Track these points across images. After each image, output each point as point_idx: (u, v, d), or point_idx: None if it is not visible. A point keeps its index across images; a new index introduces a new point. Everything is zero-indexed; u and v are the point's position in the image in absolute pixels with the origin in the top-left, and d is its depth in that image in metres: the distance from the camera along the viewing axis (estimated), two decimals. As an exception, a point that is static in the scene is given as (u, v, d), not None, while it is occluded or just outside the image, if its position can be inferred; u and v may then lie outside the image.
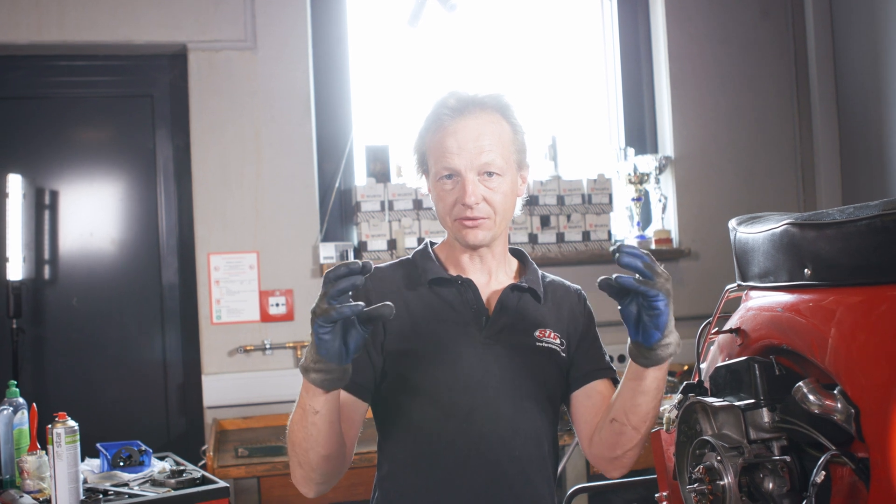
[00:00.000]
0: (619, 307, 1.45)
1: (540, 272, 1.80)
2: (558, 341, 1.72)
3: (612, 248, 1.39)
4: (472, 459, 1.62)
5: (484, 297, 1.71)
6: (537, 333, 1.70)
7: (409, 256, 1.79)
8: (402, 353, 1.66)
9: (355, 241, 3.96)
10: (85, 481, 2.60)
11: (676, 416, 1.68)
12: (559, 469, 3.00)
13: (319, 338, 1.38)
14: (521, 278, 1.76)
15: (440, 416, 1.63)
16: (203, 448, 3.48)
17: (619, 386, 1.60)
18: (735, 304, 1.84)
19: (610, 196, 4.10)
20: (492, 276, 1.74)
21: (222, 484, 2.62)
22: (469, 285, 1.70)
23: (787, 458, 1.45)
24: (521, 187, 1.72)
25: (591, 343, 1.77)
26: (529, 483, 1.67)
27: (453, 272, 1.72)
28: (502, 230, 1.70)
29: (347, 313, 1.35)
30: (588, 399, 1.72)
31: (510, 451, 1.64)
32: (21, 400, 2.69)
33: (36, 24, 3.69)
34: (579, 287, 1.84)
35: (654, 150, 4.35)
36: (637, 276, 1.38)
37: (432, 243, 1.80)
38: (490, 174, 1.61)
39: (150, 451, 2.82)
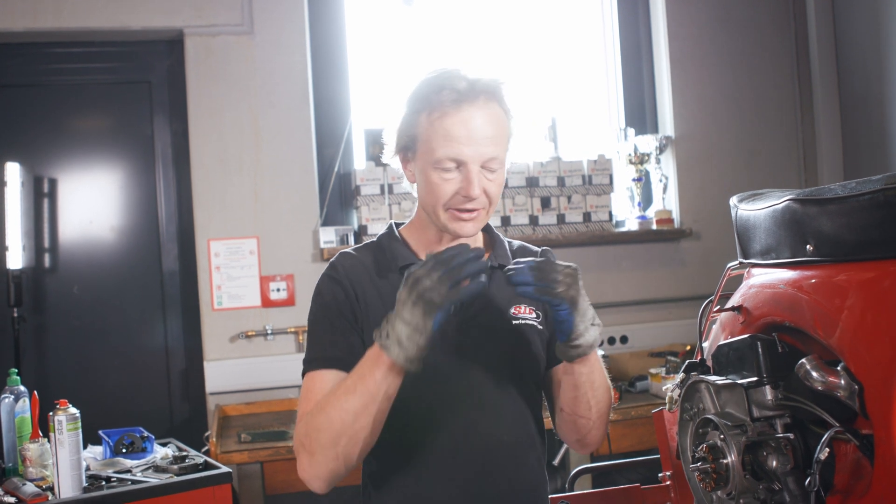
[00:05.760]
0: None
1: (506, 241, 1.77)
2: (534, 315, 1.69)
3: (508, 273, 1.44)
4: (461, 449, 1.59)
5: None
6: (513, 311, 1.67)
7: (375, 240, 1.73)
8: None
9: (355, 225, 3.95)
10: (87, 468, 2.60)
11: (679, 395, 1.68)
12: (562, 451, 3.01)
13: (437, 325, 1.41)
14: (489, 254, 1.71)
15: (423, 408, 1.59)
16: (206, 434, 3.48)
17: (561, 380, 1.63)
18: (737, 282, 1.83)
19: (610, 177, 4.08)
20: None
21: (225, 469, 2.62)
22: None
23: (791, 436, 1.44)
24: None
25: None
26: (522, 465, 1.65)
27: (423, 256, 1.63)
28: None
29: (476, 291, 1.40)
30: (556, 380, 1.70)
31: (499, 436, 1.61)
32: (22, 388, 2.69)
33: (32, 11, 3.67)
34: (547, 248, 1.78)
35: (655, 130, 4.32)
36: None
37: (398, 224, 1.75)
38: (491, 166, 1.56)
39: (153, 437, 2.83)
